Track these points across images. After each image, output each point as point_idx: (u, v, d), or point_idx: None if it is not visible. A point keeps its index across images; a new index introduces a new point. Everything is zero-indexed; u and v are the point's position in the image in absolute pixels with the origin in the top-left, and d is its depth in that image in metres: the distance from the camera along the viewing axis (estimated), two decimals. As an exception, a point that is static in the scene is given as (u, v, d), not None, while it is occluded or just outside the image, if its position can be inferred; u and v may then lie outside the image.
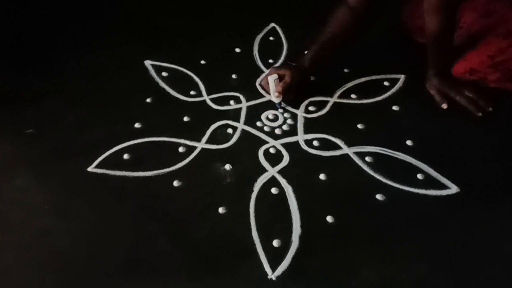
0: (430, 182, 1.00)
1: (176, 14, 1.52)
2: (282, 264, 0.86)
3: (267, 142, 1.09)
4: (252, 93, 1.21)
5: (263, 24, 1.47)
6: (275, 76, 1.15)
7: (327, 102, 1.20)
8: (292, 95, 1.18)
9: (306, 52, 1.21)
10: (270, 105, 1.19)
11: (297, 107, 1.18)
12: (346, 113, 1.18)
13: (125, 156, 1.04)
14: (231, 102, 1.20)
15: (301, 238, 0.90)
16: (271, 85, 1.15)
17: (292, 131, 1.13)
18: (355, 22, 1.20)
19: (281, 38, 1.42)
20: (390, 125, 1.15)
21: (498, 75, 1.17)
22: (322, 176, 1.01)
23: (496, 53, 1.15)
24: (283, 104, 1.17)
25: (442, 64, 1.21)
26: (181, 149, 1.06)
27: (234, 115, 1.16)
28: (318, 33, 1.21)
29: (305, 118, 1.16)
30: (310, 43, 1.21)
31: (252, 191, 0.98)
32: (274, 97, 1.16)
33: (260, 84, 1.23)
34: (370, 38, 1.38)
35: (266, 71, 1.25)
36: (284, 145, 1.09)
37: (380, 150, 1.07)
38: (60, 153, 1.05)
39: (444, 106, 1.17)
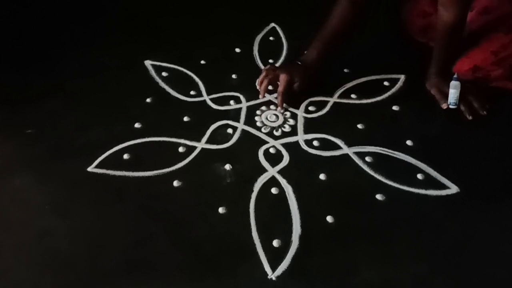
0: (430, 182, 1.00)
1: (176, 14, 1.52)
2: (282, 264, 0.85)
3: (267, 142, 1.09)
4: (252, 93, 1.21)
5: (263, 24, 1.46)
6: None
7: (327, 102, 1.20)
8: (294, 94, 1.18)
9: (309, 48, 1.19)
10: (269, 104, 1.19)
11: (297, 107, 1.18)
12: (346, 113, 1.17)
13: (125, 156, 1.04)
14: (231, 102, 1.19)
15: (301, 238, 0.90)
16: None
17: (292, 131, 1.12)
18: (356, 14, 1.18)
19: (281, 38, 1.42)
20: (390, 125, 1.14)
21: (501, 71, 1.17)
22: (322, 176, 1.01)
23: (499, 49, 1.15)
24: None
25: (445, 62, 1.20)
26: (181, 149, 1.06)
27: (234, 115, 1.16)
28: (320, 28, 1.19)
29: (305, 118, 1.16)
30: (313, 38, 1.19)
31: (252, 191, 0.98)
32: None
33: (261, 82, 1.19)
34: (370, 38, 1.38)
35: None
36: (284, 145, 1.09)
37: (380, 150, 1.07)
38: (60, 153, 1.05)
39: (444, 106, 1.17)
